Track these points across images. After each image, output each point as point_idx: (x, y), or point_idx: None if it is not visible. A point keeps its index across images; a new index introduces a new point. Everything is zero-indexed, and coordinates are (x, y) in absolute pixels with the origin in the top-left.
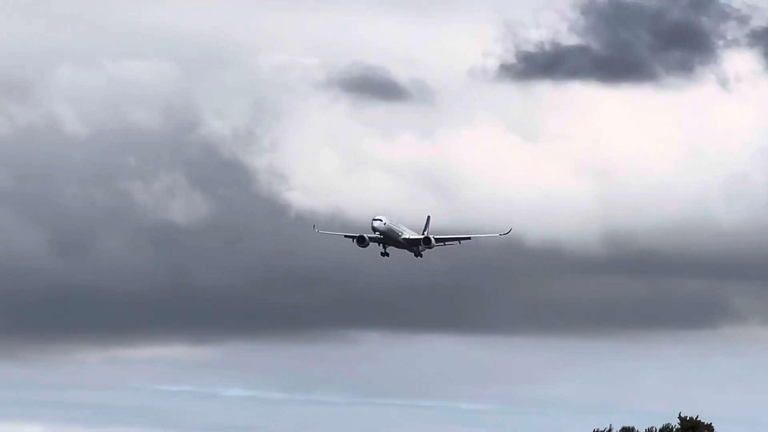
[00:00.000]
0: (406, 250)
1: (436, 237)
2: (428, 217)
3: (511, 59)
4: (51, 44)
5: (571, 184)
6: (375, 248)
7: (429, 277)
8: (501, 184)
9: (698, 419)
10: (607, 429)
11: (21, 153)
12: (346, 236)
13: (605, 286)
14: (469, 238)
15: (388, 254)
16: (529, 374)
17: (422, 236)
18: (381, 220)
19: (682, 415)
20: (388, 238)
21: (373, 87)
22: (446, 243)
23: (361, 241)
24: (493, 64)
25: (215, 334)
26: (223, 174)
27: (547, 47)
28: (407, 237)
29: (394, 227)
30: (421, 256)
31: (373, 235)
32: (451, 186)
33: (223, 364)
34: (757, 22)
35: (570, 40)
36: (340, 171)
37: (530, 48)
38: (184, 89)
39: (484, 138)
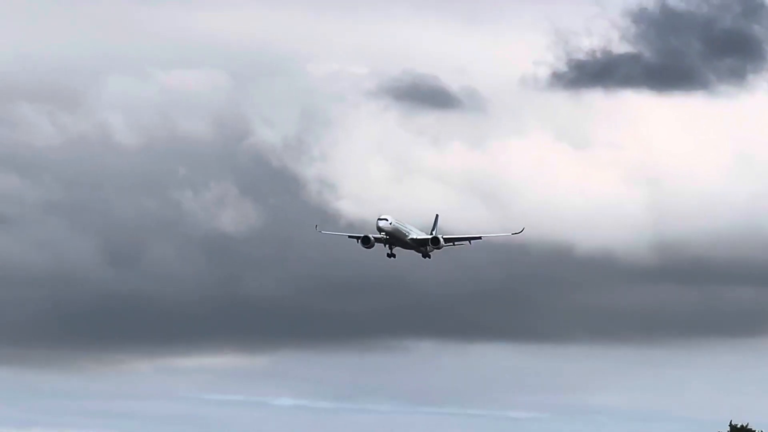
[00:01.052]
0: (413, 251)
1: (444, 237)
2: (436, 215)
3: (562, 67)
4: (102, 54)
5: (621, 193)
6: (381, 249)
7: (481, 285)
8: (551, 192)
9: (749, 427)
10: None
11: (72, 163)
12: (350, 236)
13: (655, 294)
14: (479, 238)
15: (394, 255)
16: (580, 382)
17: (430, 236)
18: (386, 220)
19: (733, 423)
20: (395, 239)
21: (423, 95)
22: (455, 243)
23: (366, 241)
24: (544, 72)
25: (266, 343)
26: (273, 183)
27: (598, 55)
28: (414, 237)
29: (401, 227)
30: (429, 256)
31: (379, 236)
32: (501, 194)
33: (273, 373)
34: None
35: (621, 48)
36: (390, 180)
37: (581, 56)
38: (234, 98)
39: (534, 146)
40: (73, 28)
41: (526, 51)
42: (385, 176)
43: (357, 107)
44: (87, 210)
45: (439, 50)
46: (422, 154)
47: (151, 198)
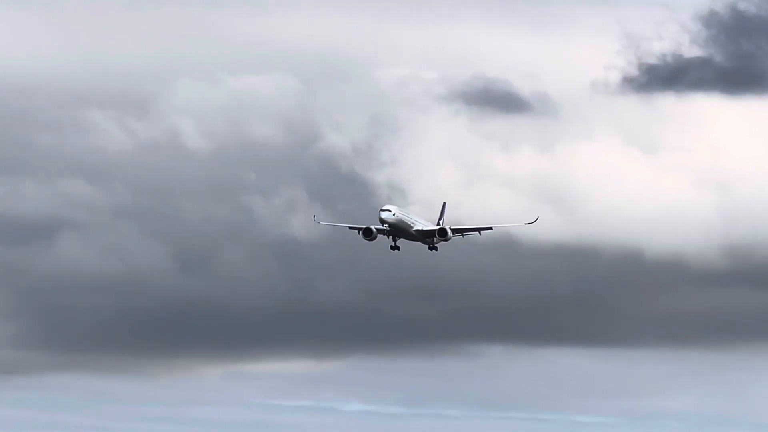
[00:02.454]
0: (419, 243)
1: (453, 228)
2: (444, 203)
3: (633, 72)
4: (172, 60)
5: (691, 197)
6: (384, 241)
7: (551, 290)
8: (621, 197)
9: None
10: None
11: (142, 168)
12: (351, 228)
13: (725, 297)
14: (490, 228)
15: (398, 248)
16: (649, 387)
17: (437, 227)
18: (390, 211)
19: None
20: (398, 230)
21: (493, 100)
22: (465, 234)
23: (368, 233)
24: (615, 76)
25: (335, 348)
26: (342, 188)
27: (668, 59)
28: (420, 228)
29: (405, 218)
30: (436, 249)
31: (381, 227)
32: (571, 199)
33: (342, 379)
34: None
35: (692, 52)
36: (460, 185)
37: (652, 60)
38: (303, 103)
39: (603, 151)
40: (143, 34)
41: (597, 55)
42: (455, 181)
43: (427, 112)
44: (157, 216)
45: (510, 54)
46: (492, 159)
47: (220, 203)
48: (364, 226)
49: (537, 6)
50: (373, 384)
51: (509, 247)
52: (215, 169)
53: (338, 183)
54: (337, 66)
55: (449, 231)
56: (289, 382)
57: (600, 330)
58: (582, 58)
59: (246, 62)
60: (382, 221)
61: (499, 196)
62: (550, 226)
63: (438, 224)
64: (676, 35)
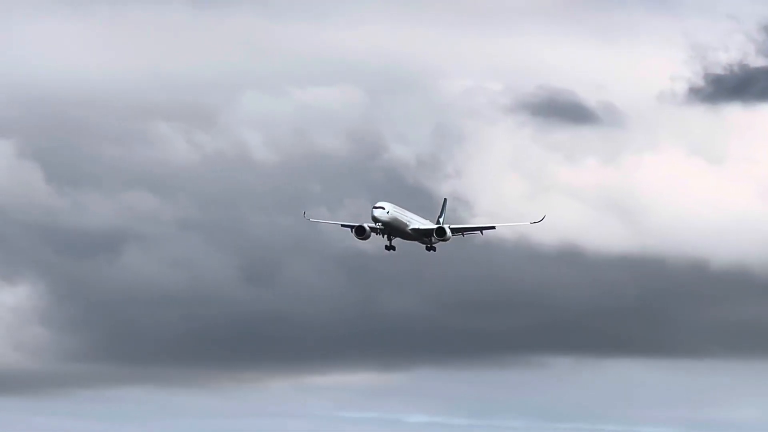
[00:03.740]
0: (416, 242)
1: (452, 227)
2: (444, 200)
3: (699, 82)
4: (237, 72)
5: (756, 207)
6: (379, 241)
7: (617, 300)
8: (686, 207)
9: None
10: None
11: (208, 180)
12: (343, 226)
13: None
14: (493, 228)
15: (394, 248)
16: (715, 397)
17: (435, 226)
18: (383, 209)
19: None
20: (393, 229)
21: (559, 111)
22: (465, 234)
23: (361, 232)
24: (681, 87)
25: (401, 360)
26: (407, 200)
27: (735, 70)
28: (416, 227)
29: (400, 216)
30: (434, 249)
31: (375, 225)
32: (636, 210)
33: (408, 390)
34: None
35: (758, 62)
36: (525, 196)
37: (718, 71)
38: (369, 115)
39: (669, 161)
40: (209, 47)
41: (663, 66)
42: (520, 193)
43: (492, 123)
44: (223, 228)
45: (575, 65)
46: (556, 170)
47: (287, 215)
48: (357, 224)
49: (603, 16)
50: (439, 395)
51: (575, 258)
52: (281, 181)
53: (403, 194)
54: (402, 77)
55: (448, 230)
56: (355, 394)
57: (665, 340)
58: (648, 69)
59: (312, 74)
60: (375, 219)
61: (563, 207)
62: (616, 237)
63: (438, 222)
64: (742, 45)
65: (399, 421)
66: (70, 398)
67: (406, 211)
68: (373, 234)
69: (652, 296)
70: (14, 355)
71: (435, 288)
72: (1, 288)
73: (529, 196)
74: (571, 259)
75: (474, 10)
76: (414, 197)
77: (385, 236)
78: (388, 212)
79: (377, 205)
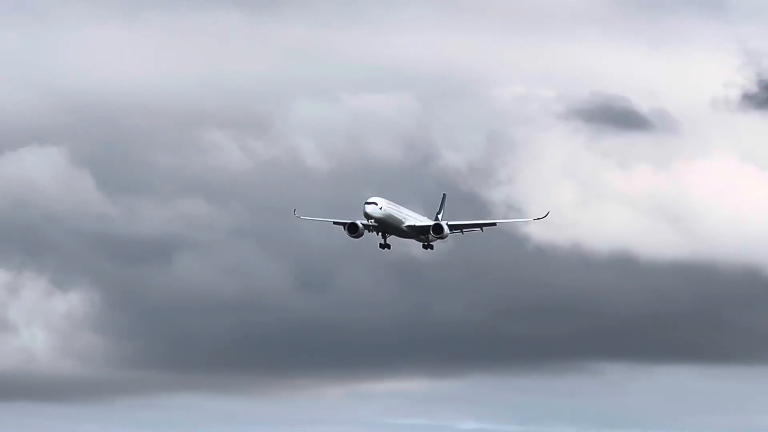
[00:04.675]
0: (413, 240)
1: (450, 223)
2: (444, 195)
3: (753, 89)
4: (290, 79)
5: None
6: (373, 239)
7: (670, 307)
8: (738, 213)
9: None
10: None
11: (261, 188)
12: (335, 223)
13: None
14: (494, 224)
15: (389, 246)
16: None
17: (432, 222)
18: (375, 204)
19: None
20: (387, 226)
21: (612, 117)
22: (464, 231)
23: (353, 229)
24: (734, 93)
25: (454, 367)
26: (460, 207)
27: None
28: (412, 224)
29: (394, 213)
30: (431, 247)
31: (368, 222)
32: (688, 216)
33: (460, 397)
34: None
35: None
36: (578, 203)
37: None
38: (421, 122)
39: (721, 168)
40: (261, 54)
41: (717, 72)
42: (572, 200)
43: (544, 130)
44: (276, 235)
45: (628, 72)
46: (609, 177)
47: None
48: (349, 221)
49: (656, 23)
50: (490, 402)
51: (627, 265)
52: (334, 188)
53: (456, 201)
54: (454, 84)
55: (446, 227)
56: (407, 401)
57: (718, 347)
58: (701, 75)
59: (365, 81)
60: (368, 216)
61: (616, 214)
62: (668, 243)
63: (436, 219)
64: None
65: (450, 427)
66: (122, 405)
67: (402, 207)
68: (366, 231)
69: (705, 302)
70: (67, 362)
71: (487, 294)
72: (53, 295)
73: (582, 202)
74: (623, 266)
75: (527, 17)
76: (466, 204)
77: (380, 234)
78: (381, 208)
79: (369, 200)
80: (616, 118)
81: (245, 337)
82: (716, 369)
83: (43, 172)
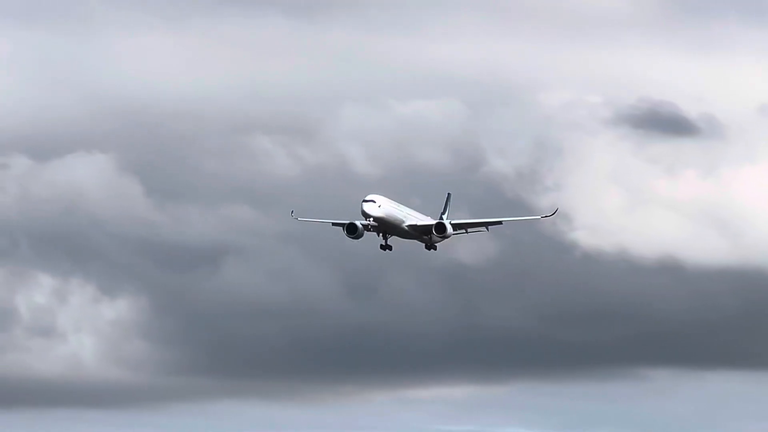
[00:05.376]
0: (416, 241)
1: (453, 222)
2: (448, 194)
3: None
4: (337, 85)
5: None
6: (374, 240)
7: (717, 312)
8: None
9: None
10: None
11: (309, 194)
12: (334, 224)
13: None
14: (499, 223)
15: (390, 247)
16: None
17: (434, 221)
18: (374, 202)
19: None
20: (387, 226)
21: (660, 123)
22: (468, 230)
23: (353, 230)
24: None
25: (500, 372)
26: (507, 213)
27: None
28: (413, 223)
29: (394, 211)
30: (434, 248)
31: (367, 222)
32: (736, 222)
33: (506, 403)
34: None
35: None
36: (624, 209)
37: None
38: (468, 128)
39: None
40: (308, 59)
41: (764, 78)
42: (620, 206)
43: (591, 136)
44: (323, 241)
45: (675, 77)
46: (657, 183)
47: None
48: (348, 222)
49: (703, 28)
50: (537, 408)
51: (675, 271)
52: (381, 194)
53: (502, 207)
54: (502, 90)
55: (449, 226)
56: (454, 407)
57: (765, 353)
58: (749, 81)
59: (412, 87)
60: (366, 215)
61: (663, 220)
62: (715, 250)
63: (440, 218)
64: None
65: None
66: (169, 411)
67: (402, 206)
68: (366, 232)
69: (753, 308)
70: (114, 368)
71: (534, 300)
72: (101, 301)
73: (629, 209)
74: (670, 272)
75: (574, 22)
76: (513, 210)
77: (381, 235)
78: (379, 206)
79: (367, 198)
80: (664, 123)
81: (292, 343)
82: (763, 375)
83: (90, 179)
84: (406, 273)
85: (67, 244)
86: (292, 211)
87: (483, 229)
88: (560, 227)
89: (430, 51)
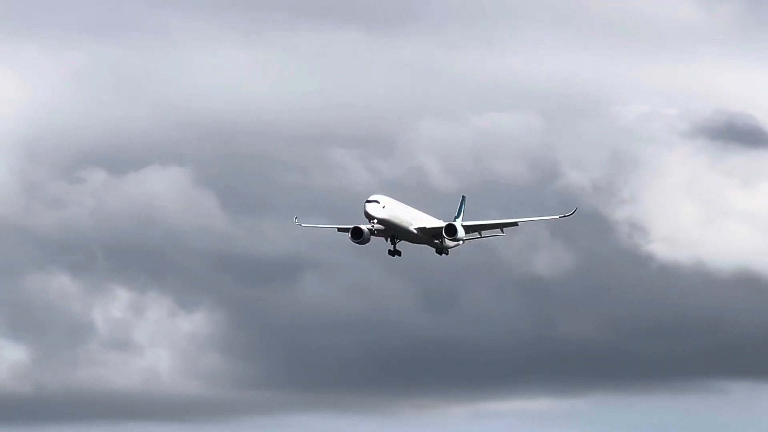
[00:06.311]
0: (427, 246)
1: (465, 224)
2: (462, 197)
3: None
4: (413, 98)
5: None
6: (381, 245)
7: None
8: None
9: None
10: None
11: None
12: (340, 230)
13: None
14: (515, 224)
15: (399, 252)
16: None
17: (444, 223)
18: (377, 203)
19: None
20: (394, 229)
21: (736, 135)
22: (483, 233)
23: (358, 234)
24: None
25: (579, 385)
26: (583, 226)
27: None
28: (422, 226)
29: (401, 213)
30: (446, 252)
31: (372, 226)
32: None
33: (585, 416)
34: None
35: None
36: (701, 222)
37: None
38: (545, 141)
39: None
40: (385, 73)
41: None
42: (696, 218)
43: (667, 148)
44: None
45: (752, 89)
46: (733, 195)
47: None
48: (352, 226)
49: None
50: (614, 421)
51: (751, 283)
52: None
53: (579, 221)
54: (578, 103)
55: (459, 228)
56: (531, 420)
57: None
58: None
59: (488, 100)
60: (369, 216)
61: (740, 232)
62: None
63: (454, 221)
64: None
65: None
66: (245, 425)
67: (410, 207)
68: (373, 237)
69: None
70: (190, 382)
71: (611, 313)
72: (178, 315)
73: (706, 221)
74: (747, 284)
75: (650, 35)
76: (589, 223)
77: (389, 239)
78: (384, 207)
79: (370, 198)
80: (741, 135)
81: (369, 356)
82: None
83: (166, 192)
84: (483, 285)
85: (144, 258)
86: (296, 217)
87: (499, 231)
88: (636, 240)
89: (507, 64)
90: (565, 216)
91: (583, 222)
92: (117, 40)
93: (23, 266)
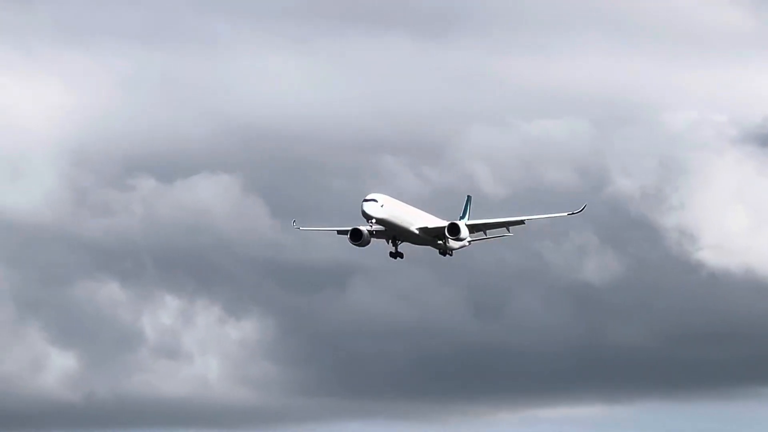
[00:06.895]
0: (430, 247)
1: (468, 223)
2: (468, 197)
3: None
4: (463, 105)
5: None
6: (382, 248)
7: None
8: None
9: None
10: None
11: (435, 214)
12: (339, 232)
13: None
14: (522, 223)
15: (401, 255)
16: None
17: (446, 223)
18: (375, 201)
19: None
20: (395, 229)
21: None
22: (488, 233)
23: (357, 236)
24: None
25: (627, 392)
26: (632, 233)
27: None
28: (424, 226)
29: (400, 213)
30: (450, 253)
31: (370, 226)
32: None
33: (633, 423)
34: None
35: None
36: (751, 229)
37: None
38: (594, 147)
39: None
40: (433, 80)
41: None
42: (745, 225)
43: (717, 155)
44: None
45: None
46: None
47: (511, 248)
48: (351, 228)
49: None
50: (663, 428)
51: None
52: (507, 213)
53: (627, 227)
54: (626, 110)
55: (463, 227)
56: (581, 426)
57: None
58: None
59: (537, 107)
60: (367, 216)
61: None
62: None
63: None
64: None
65: None
66: None
67: (410, 207)
68: (373, 239)
69: None
70: (240, 389)
71: (660, 320)
72: (227, 322)
73: (755, 228)
74: None
75: (698, 41)
76: (638, 230)
77: (389, 241)
78: (382, 206)
79: (368, 197)
80: None
81: (417, 363)
82: None
83: (216, 200)
84: (533, 292)
85: (193, 266)
86: (294, 221)
87: (505, 230)
88: (685, 247)
89: (556, 71)
90: (573, 213)
91: (633, 229)
92: (165, 48)
93: (73, 274)
